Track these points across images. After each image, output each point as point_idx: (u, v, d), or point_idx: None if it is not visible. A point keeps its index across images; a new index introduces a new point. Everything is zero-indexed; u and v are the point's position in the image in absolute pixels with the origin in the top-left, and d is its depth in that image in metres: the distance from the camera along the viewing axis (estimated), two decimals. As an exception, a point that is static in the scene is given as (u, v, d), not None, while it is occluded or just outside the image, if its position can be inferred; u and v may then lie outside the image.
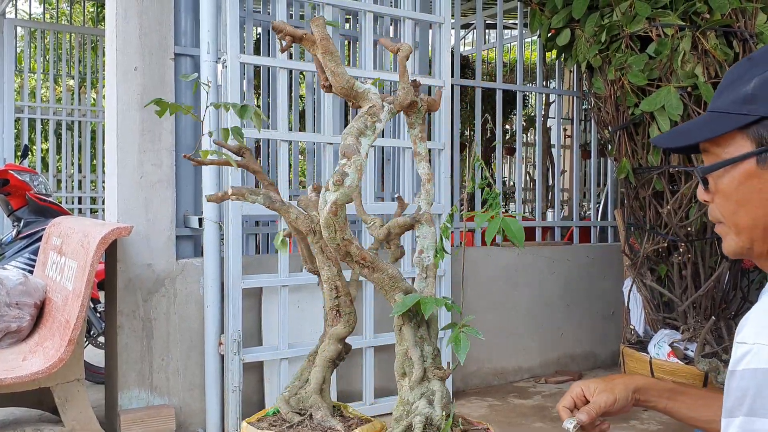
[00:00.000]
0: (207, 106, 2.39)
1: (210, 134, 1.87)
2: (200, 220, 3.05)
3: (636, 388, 1.36)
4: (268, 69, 3.92)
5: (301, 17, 4.54)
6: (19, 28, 7.96)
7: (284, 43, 1.46)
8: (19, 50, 8.93)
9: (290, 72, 3.91)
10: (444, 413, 1.38)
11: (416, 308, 1.41)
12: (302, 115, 4.23)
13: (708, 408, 1.34)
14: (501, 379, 3.93)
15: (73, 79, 8.08)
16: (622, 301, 4.07)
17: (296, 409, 1.62)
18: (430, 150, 3.81)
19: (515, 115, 4.40)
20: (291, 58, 3.74)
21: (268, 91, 3.97)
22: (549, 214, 5.62)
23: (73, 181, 8.06)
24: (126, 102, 2.91)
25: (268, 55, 3.92)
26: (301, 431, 1.56)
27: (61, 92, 7.91)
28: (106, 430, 2.77)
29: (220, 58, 2.98)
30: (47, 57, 8.45)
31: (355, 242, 1.41)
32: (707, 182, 1.11)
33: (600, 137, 4.48)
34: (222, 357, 3.00)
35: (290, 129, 3.84)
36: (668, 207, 3.33)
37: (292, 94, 3.84)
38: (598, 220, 4.66)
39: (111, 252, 2.95)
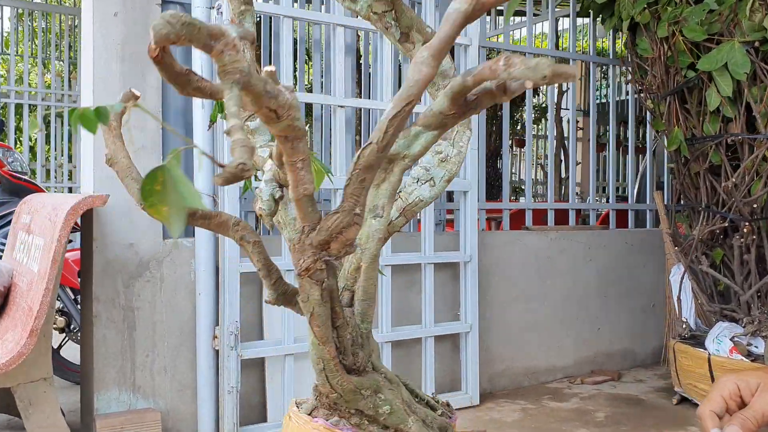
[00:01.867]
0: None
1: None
2: (191, 193, 2.61)
3: None
4: (270, 19, 3.49)
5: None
6: (6, 8, 7.53)
7: None
8: (5, 33, 8.52)
9: (294, 23, 3.49)
10: None
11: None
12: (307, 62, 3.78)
13: None
14: (532, 379, 3.49)
15: (63, 63, 7.65)
16: (664, 292, 3.65)
17: None
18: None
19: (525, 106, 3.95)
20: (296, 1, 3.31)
21: (270, 46, 3.54)
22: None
23: (62, 172, 7.63)
24: (104, 53, 2.48)
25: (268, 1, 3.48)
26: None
27: (50, 78, 7.48)
28: (81, 438, 2.35)
29: (214, 5, 2.55)
30: (35, 40, 8.03)
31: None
32: None
33: (641, 108, 4.04)
34: (217, 353, 2.57)
35: (295, 88, 3.40)
36: (732, 180, 2.90)
37: (297, 51, 3.40)
38: (635, 202, 4.21)
39: (87, 230, 2.53)
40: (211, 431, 2.56)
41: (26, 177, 3.54)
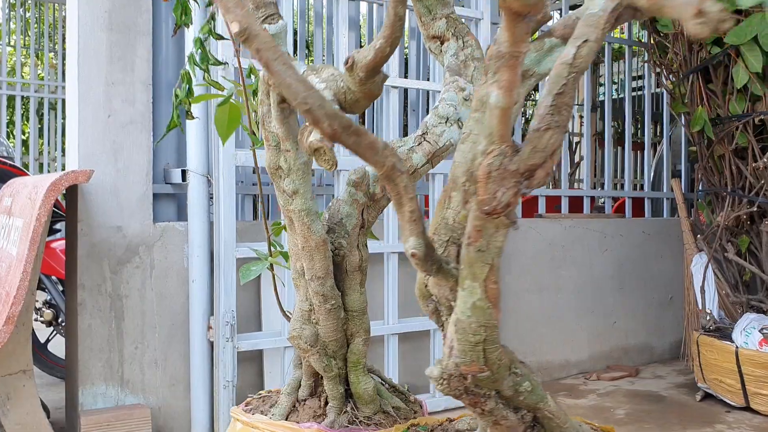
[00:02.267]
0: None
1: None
2: (183, 173, 2.43)
3: None
4: None
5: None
6: (-3, -1, 7.35)
7: None
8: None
9: None
10: None
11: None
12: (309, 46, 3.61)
13: None
14: (545, 375, 3.31)
15: (57, 54, 7.46)
16: (681, 284, 3.47)
17: None
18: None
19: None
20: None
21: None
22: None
23: (56, 166, 7.45)
24: (90, 21, 2.29)
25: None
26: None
27: (43, 69, 7.30)
28: (65, 436, 2.16)
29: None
30: (28, 31, 7.84)
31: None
32: None
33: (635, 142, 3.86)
34: (211, 344, 2.39)
35: (295, 56, 3.22)
36: (763, 160, 2.72)
37: (296, 20, 3.22)
38: (651, 190, 4.03)
39: (71, 211, 2.34)
40: (206, 429, 2.38)
41: (11, 162, 3.36)
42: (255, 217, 3.43)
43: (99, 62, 2.31)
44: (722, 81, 2.91)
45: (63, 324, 3.28)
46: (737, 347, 2.79)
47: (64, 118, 7.42)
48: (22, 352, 2.07)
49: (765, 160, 2.73)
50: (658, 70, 3.34)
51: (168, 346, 2.41)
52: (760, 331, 2.78)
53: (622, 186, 4.07)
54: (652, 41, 3.26)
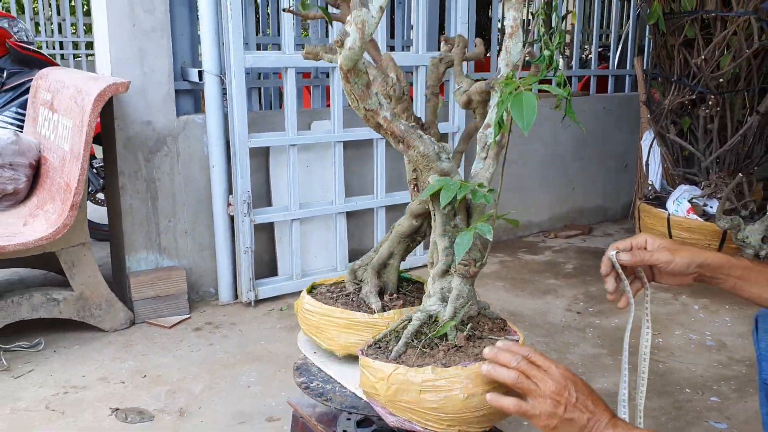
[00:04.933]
0: None
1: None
2: (200, 73, 2.82)
3: (702, 263, 1.27)
4: None
5: None
6: None
7: None
8: None
9: None
10: (458, 314, 1.26)
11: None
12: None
13: None
14: (510, 233, 3.87)
15: None
16: (637, 154, 3.95)
17: (358, 280, 1.54)
18: (444, -7, 3.50)
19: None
20: None
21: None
22: (560, 61, 5.36)
23: (51, 24, 7.60)
24: (110, -62, 2.58)
25: None
26: (341, 301, 1.49)
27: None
28: (116, 292, 2.71)
29: None
30: None
31: (383, 113, 1.22)
32: None
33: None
34: (231, 218, 2.89)
35: None
36: (701, 58, 3.11)
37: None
38: (615, 68, 4.41)
39: (106, 107, 2.75)
40: (230, 284, 2.94)
41: (33, 47, 3.67)
42: (261, 107, 3.82)
43: (121, -24, 2.62)
44: (677, -22, 3.22)
45: (92, 192, 3.78)
46: (669, 214, 3.33)
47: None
48: (81, 229, 2.57)
49: (703, 56, 3.12)
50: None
51: (195, 219, 2.91)
52: (689, 201, 3.30)
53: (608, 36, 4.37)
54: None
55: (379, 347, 1.29)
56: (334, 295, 1.53)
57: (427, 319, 1.29)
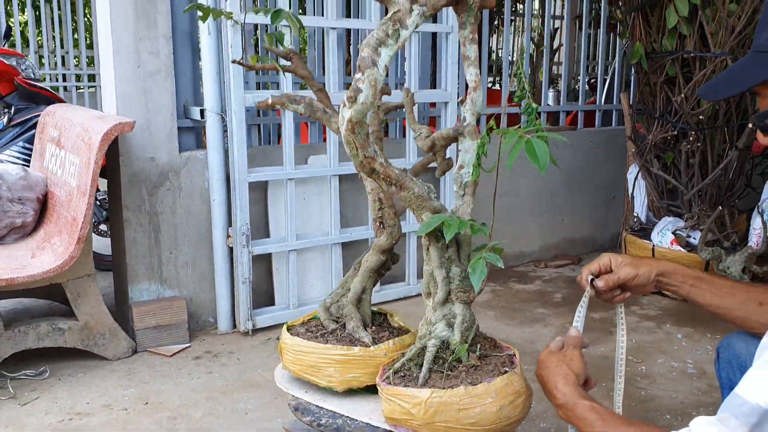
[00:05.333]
0: (244, 11, 2.25)
1: (254, 40, 1.75)
2: (202, 112, 2.95)
3: (660, 272, 1.44)
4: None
5: None
6: None
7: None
8: None
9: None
10: (462, 338, 1.38)
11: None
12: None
13: (732, 297, 1.43)
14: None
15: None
16: (625, 185, 4.08)
17: (334, 317, 1.63)
18: (436, 33, 3.66)
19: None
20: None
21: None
22: (550, 95, 5.52)
23: (55, 57, 7.77)
24: (118, -16, 2.72)
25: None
26: (330, 339, 1.58)
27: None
28: (118, 321, 2.81)
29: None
30: None
31: (379, 159, 1.34)
32: (765, 128, 1.08)
33: (611, 22, 4.30)
34: (230, 249, 3.00)
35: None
36: (681, 95, 3.25)
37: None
38: (602, 103, 4.56)
39: (111, 143, 2.86)
40: (228, 314, 3.04)
41: (41, 84, 3.81)
42: (260, 142, 3.95)
43: (127, 21, 2.76)
44: (658, 19, 3.37)
45: (95, 224, 3.89)
46: (654, 245, 3.44)
47: (59, 9, 7.66)
48: (86, 261, 2.68)
49: (684, 93, 3.26)
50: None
51: (196, 251, 3.02)
52: (672, 232, 3.42)
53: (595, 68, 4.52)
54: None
55: (403, 375, 1.40)
56: (317, 334, 1.61)
57: (440, 344, 1.40)
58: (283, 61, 1.60)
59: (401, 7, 1.32)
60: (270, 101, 1.57)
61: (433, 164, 1.64)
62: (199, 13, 1.64)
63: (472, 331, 1.43)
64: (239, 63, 1.76)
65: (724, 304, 1.43)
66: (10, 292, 2.78)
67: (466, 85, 1.78)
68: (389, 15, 1.31)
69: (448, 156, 1.58)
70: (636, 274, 1.42)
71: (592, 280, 1.45)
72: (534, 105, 1.43)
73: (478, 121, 1.52)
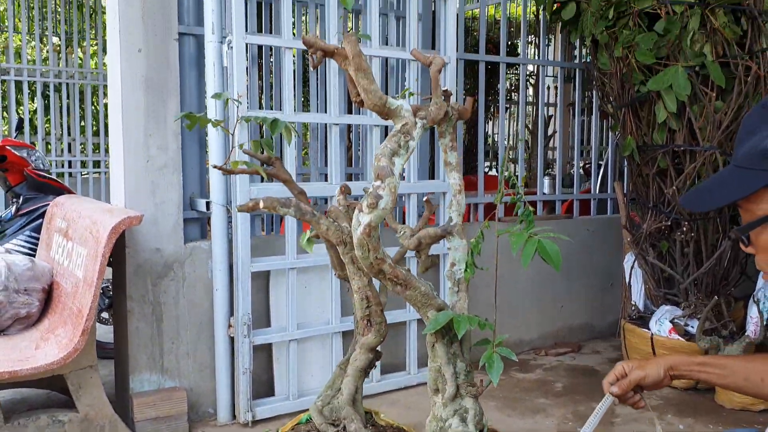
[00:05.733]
0: (237, 120, 2.37)
1: (241, 146, 1.85)
2: (207, 204, 3.03)
3: (669, 366, 1.53)
4: (271, 48, 3.84)
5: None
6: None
7: (315, 57, 1.43)
8: (1, 9, 8.69)
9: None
10: (477, 431, 1.41)
11: (449, 325, 1.42)
12: (305, 83, 4.15)
13: (735, 375, 1.50)
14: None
15: (59, 38, 7.88)
16: (621, 272, 4.13)
17: (330, 419, 1.64)
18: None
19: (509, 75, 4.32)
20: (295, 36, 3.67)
21: (271, 70, 3.90)
22: (546, 181, 5.64)
23: (62, 144, 7.95)
24: (130, 85, 2.85)
25: (270, 32, 3.84)
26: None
27: (47, 52, 7.73)
28: (118, 411, 2.80)
29: (225, 38, 2.92)
30: (32, 16, 8.22)
31: (388, 260, 1.41)
32: (748, 239, 1.14)
33: (602, 110, 4.46)
34: (231, 339, 3.02)
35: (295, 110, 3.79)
36: (673, 187, 3.35)
37: (295, 71, 3.77)
38: (597, 191, 4.67)
39: (119, 236, 2.93)
40: (228, 405, 3.03)
41: (49, 175, 3.91)
42: (264, 230, 4.03)
43: (138, 118, 2.87)
44: (648, 113, 3.51)
45: (99, 313, 3.91)
46: (652, 334, 3.46)
47: (68, 98, 7.89)
48: (89, 352, 2.69)
49: (675, 185, 3.36)
50: (601, 94, 3.94)
51: (197, 340, 3.04)
52: (671, 321, 3.45)
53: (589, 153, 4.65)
54: (596, 72, 3.84)
55: None
56: None
57: None
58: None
59: (408, 120, 1.41)
60: (261, 205, 1.64)
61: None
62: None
63: (486, 426, 1.47)
64: (220, 168, 1.84)
65: (735, 384, 1.51)
66: (11, 383, 2.78)
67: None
68: (398, 127, 1.41)
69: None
70: (645, 375, 1.51)
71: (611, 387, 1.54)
72: (530, 209, 1.50)
73: (476, 207, 1.61)
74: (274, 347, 3.15)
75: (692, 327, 3.43)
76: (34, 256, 3.40)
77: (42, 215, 3.61)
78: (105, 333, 3.73)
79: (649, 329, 3.50)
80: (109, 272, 3.19)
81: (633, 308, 3.71)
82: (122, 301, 2.95)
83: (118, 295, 3.05)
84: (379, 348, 1.72)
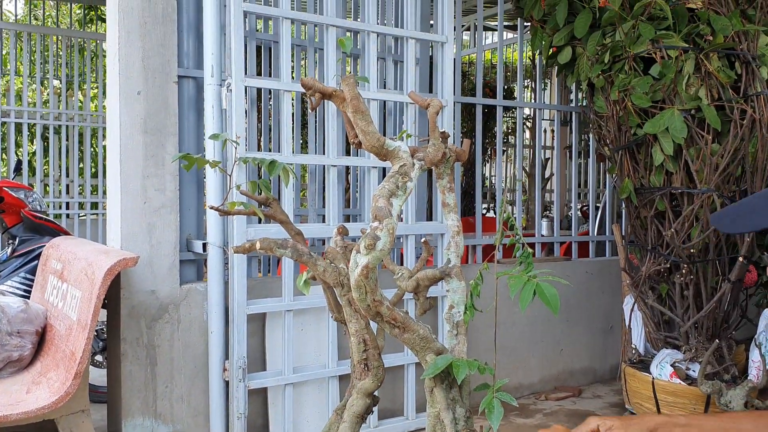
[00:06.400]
0: (235, 161, 2.38)
1: (238, 187, 1.85)
2: (204, 246, 3.01)
3: (653, 428, 1.45)
4: (270, 91, 3.87)
5: (303, 37, 4.46)
6: (3, 31, 7.81)
7: (313, 99, 1.43)
8: (4, 52, 8.79)
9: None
10: None
11: (448, 369, 1.40)
12: (304, 125, 4.17)
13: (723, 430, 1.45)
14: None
15: (60, 81, 7.95)
16: (621, 315, 4.09)
17: None
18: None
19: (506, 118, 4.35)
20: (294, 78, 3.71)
21: (270, 112, 3.93)
22: (544, 224, 5.63)
23: (60, 186, 7.95)
24: (129, 127, 2.86)
25: (270, 75, 3.88)
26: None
27: (47, 95, 7.79)
28: (110, 458, 2.74)
29: (224, 81, 2.94)
30: (33, 59, 8.31)
31: (386, 302, 1.39)
32: None
33: (599, 153, 4.48)
34: (226, 383, 2.97)
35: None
36: (672, 230, 3.34)
37: (294, 114, 3.80)
38: (595, 234, 4.66)
39: (114, 278, 2.91)
40: (222, 451, 2.97)
41: (46, 216, 3.90)
42: (260, 271, 4.01)
43: (136, 159, 2.88)
44: (644, 156, 3.52)
45: (92, 356, 3.86)
46: (653, 378, 3.42)
47: (67, 140, 7.92)
48: (82, 396, 2.65)
49: (674, 228, 3.35)
50: (597, 137, 3.96)
51: (191, 384, 2.99)
52: (671, 365, 3.40)
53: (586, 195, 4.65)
54: (592, 115, 3.86)
55: None
56: None
57: None
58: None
59: (406, 162, 1.41)
60: (258, 246, 1.63)
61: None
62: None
63: None
64: (216, 209, 1.83)
65: None
66: (1, 429, 2.73)
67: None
68: (396, 168, 1.40)
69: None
70: None
71: None
72: (529, 250, 1.49)
73: (474, 249, 1.60)
74: (269, 391, 3.10)
75: (693, 371, 3.38)
76: (28, 297, 3.37)
77: (38, 257, 3.59)
78: (99, 377, 3.68)
79: (650, 373, 3.45)
80: (103, 314, 3.17)
81: (633, 351, 3.66)
82: (116, 344, 2.92)
83: (112, 338, 3.01)
84: (376, 393, 1.68)
